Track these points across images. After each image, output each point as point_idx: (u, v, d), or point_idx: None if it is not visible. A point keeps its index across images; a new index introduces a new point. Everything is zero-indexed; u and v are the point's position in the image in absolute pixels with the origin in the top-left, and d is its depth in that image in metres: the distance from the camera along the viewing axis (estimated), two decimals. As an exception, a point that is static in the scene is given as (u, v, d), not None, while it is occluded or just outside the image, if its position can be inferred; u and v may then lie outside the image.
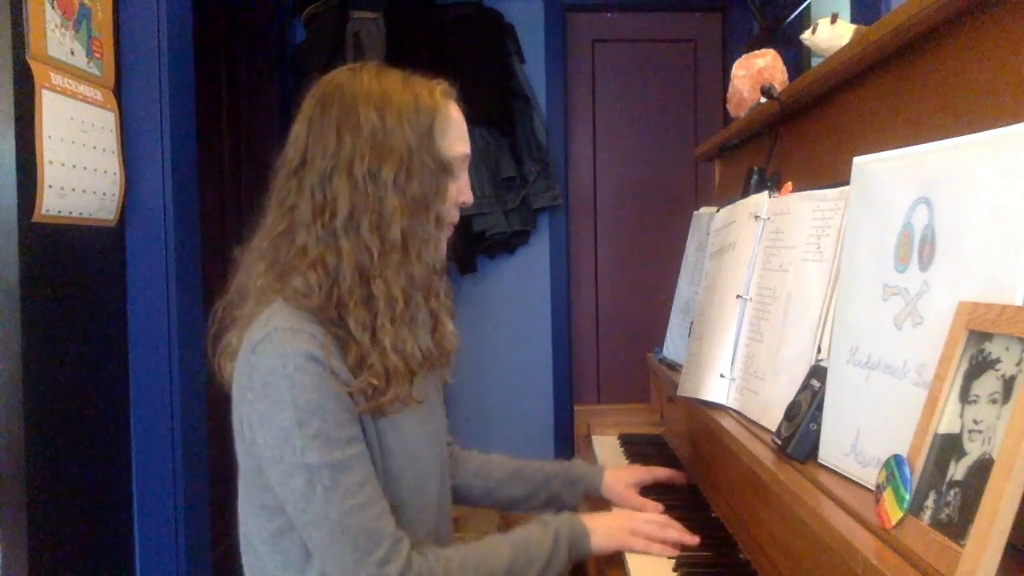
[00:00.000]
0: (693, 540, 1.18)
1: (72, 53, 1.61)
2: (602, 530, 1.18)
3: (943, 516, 0.65)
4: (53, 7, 1.54)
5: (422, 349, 1.06)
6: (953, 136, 0.77)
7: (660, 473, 1.46)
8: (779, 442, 1.01)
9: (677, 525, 1.21)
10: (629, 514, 1.25)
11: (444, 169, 1.07)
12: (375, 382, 1.01)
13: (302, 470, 0.97)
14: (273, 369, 0.97)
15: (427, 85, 1.09)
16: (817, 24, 1.34)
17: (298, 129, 1.07)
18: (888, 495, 0.72)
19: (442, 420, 1.23)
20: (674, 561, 1.15)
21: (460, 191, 1.13)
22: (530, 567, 1.09)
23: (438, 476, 1.15)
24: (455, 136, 1.10)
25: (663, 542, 1.18)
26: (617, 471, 1.43)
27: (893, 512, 0.71)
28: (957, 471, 0.65)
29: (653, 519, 1.22)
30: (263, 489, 1.04)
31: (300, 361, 0.97)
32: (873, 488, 0.76)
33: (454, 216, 1.13)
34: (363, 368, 1.01)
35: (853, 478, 0.86)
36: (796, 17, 2.59)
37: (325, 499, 0.96)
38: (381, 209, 1.02)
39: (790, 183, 1.33)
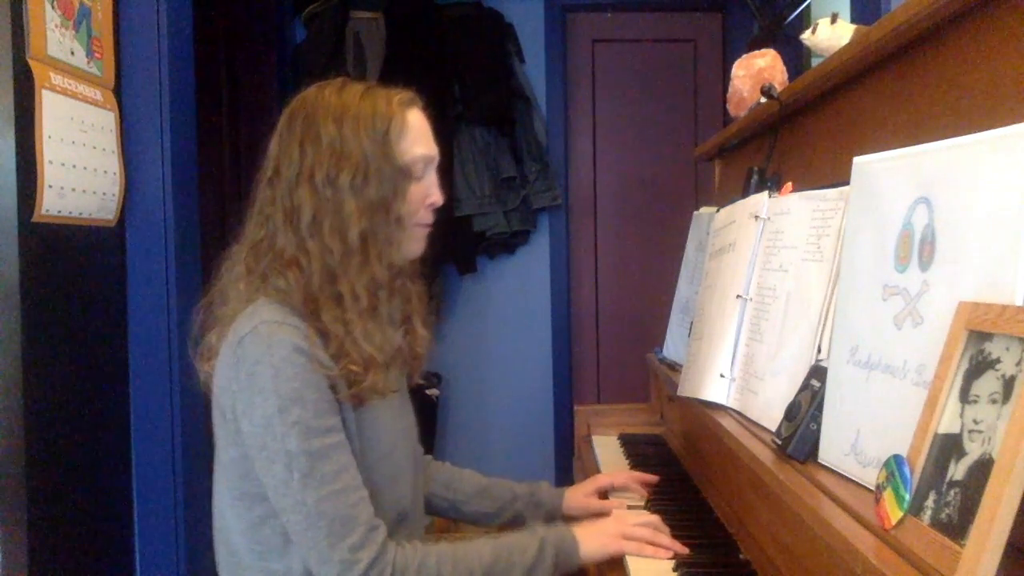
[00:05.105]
0: (683, 550, 1.17)
1: (72, 53, 1.61)
2: (592, 539, 1.18)
3: (943, 516, 0.65)
4: (53, 7, 1.54)
5: (390, 344, 1.13)
6: (953, 136, 0.77)
7: (618, 479, 1.47)
8: (779, 442, 1.01)
9: (666, 531, 1.21)
10: (619, 517, 1.24)
11: (402, 172, 1.13)
12: (354, 368, 1.08)
13: (282, 456, 1.02)
14: (259, 359, 1.02)
15: (386, 94, 1.15)
16: (817, 24, 1.34)
17: (272, 143, 1.17)
18: (888, 495, 0.72)
19: (412, 419, 1.28)
20: (674, 562, 1.14)
21: (427, 192, 1.18)
22: (511, 570, 1.11)
23: (412, 470, 1.22)
24: (413, 139, 1.15)
25: (656, 546, 1.17)
26: (577, 487, 1.46)
27: (893, 512, 0.71)
28: (957, 471, 0.65)
29: (645, 522, 1.21)
30: (243, 478, 1.08)
31: (286, 352, 1.02)
32: (873, 488, 0.76)
33: (423, 217, 1.18)
34: (342, 356, 1.08)
35: (853, 478, 0.86)
36: (796, 17, 2.59)
37: (302, 485, 1.01)
38: (341, 212, 1.09)
39: (790, 183, 1.33)
